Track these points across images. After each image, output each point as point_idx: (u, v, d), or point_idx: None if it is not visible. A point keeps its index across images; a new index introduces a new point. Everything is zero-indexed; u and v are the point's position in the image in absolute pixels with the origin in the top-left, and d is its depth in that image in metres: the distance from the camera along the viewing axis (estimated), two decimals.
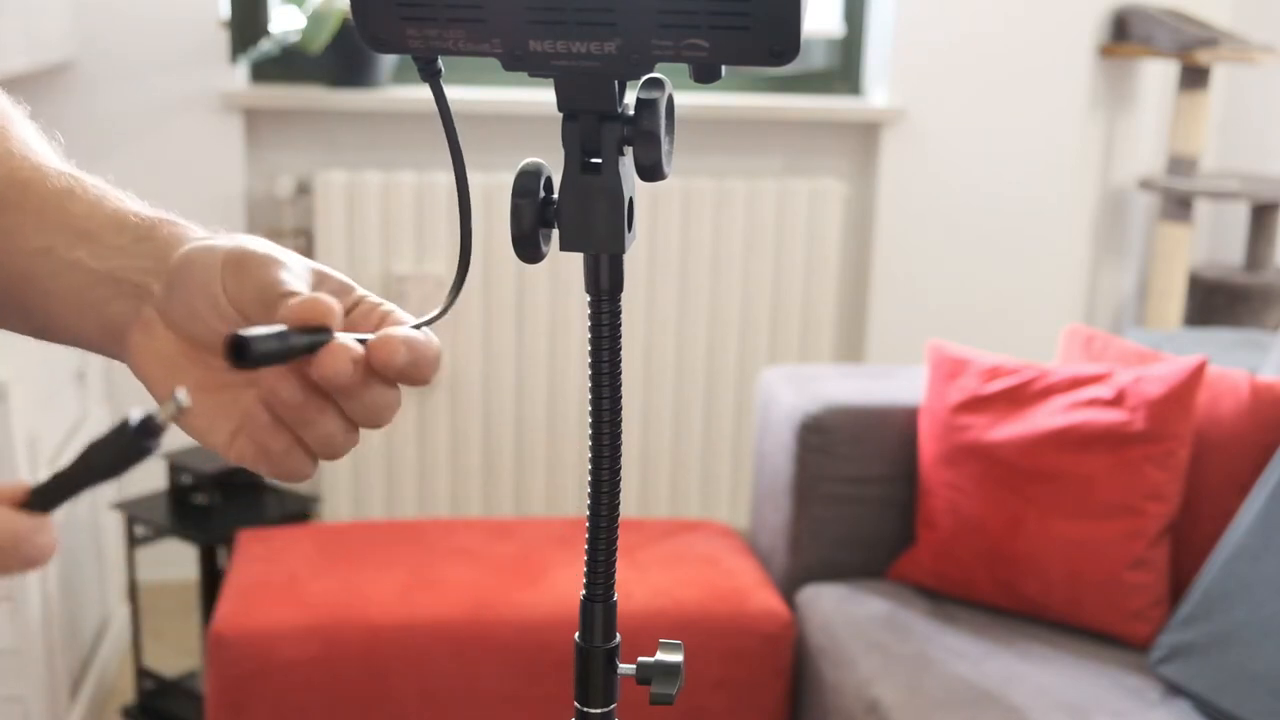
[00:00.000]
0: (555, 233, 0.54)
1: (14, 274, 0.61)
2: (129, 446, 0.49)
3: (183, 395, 0.49)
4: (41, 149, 0.65)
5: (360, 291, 0.59)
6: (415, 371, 0.54)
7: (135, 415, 0.49)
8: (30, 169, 0.62)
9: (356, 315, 0.58)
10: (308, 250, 2.72)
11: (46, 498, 0.49)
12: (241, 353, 0.48)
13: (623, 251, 0.54)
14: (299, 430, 0.56)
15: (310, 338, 0.51)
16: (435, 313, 0.57)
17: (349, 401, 0.55)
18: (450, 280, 0.58)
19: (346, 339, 0.53)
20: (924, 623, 1.99)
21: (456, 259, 0.58)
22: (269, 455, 0.57)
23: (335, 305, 0.53)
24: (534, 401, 2.86)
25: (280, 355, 0.50)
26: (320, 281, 0.58)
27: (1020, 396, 2.03)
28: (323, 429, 0.56)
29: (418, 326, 0.56)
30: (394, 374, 0.54)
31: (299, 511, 2.44)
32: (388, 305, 0.58)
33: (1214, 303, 3.02)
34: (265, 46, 2.67)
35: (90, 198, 0.61)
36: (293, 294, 0.54)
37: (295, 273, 0.56)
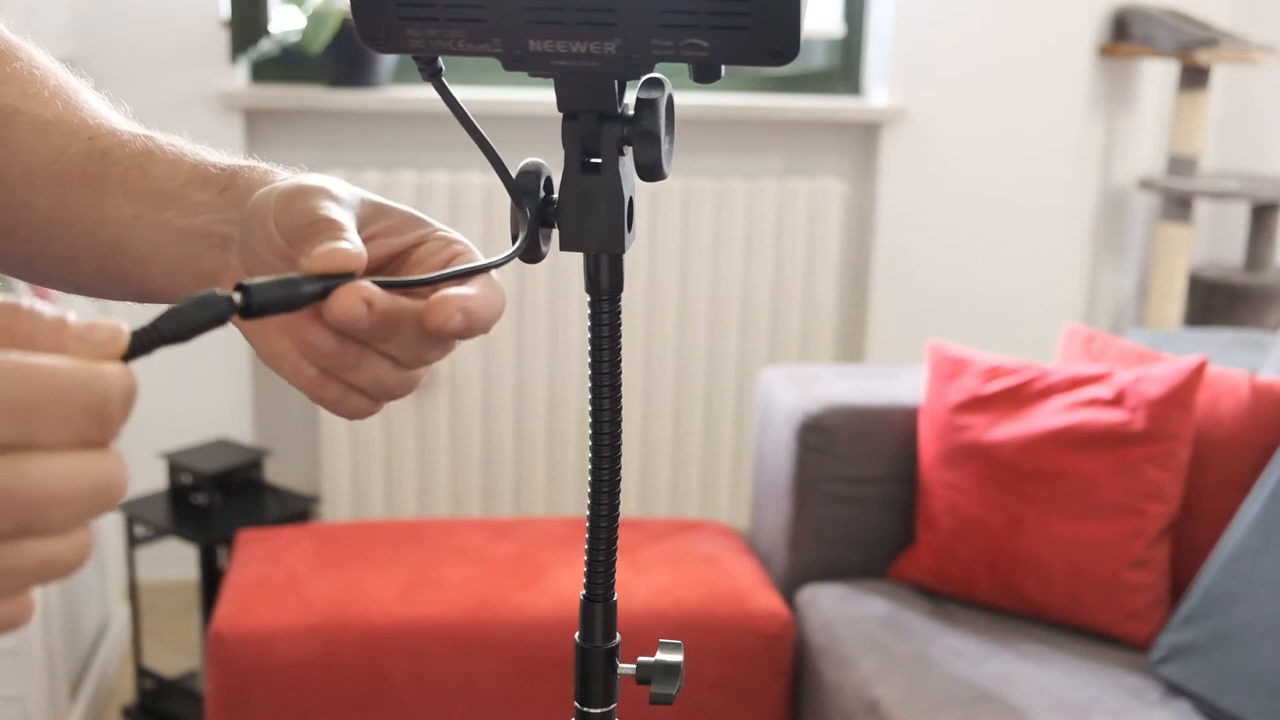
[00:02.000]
0: (555, 233, 0.54)
1: (107, 243, 0.61)
2: (218, 308, 0.45)
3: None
4: (112, 115, 0.66)
5: (432, 225, 0.57)
6: (470, 332, 0.53)
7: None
8: (107, 135, 0.63)
9: (424, 251, 0.56)
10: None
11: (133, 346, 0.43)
12: (243, 301, 0.46)
13: (623, 251, 0.54)
14: (344, 376, 0.55)
15: (324, 283, 0.49)
16: (506, 254, 0.55)
17: (385, 343, 0.54)
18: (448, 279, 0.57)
19: (365, 284, 0.50)
20: (924, 623, 1.99)
21: (481, 268, 0.57)
22: (327, 403, 0.56)
23: (355, 251, 0.51)
24: (534, 401, 2.86)
25: (286, 303, 0.48)
26: (377, 216, 0.57)
27: (1020, 396, 2.03)
28: (368, 372, 0.54)
29: (482, 270, 0.54)
30: (449, 336, 0.52)
31: (299, 511, 2.44)
32: (459, 242, 0.57)
33: (1214, 303, 3.02)
34: (265, 46, 2.67)
35: (169, 157, 0.61)
36: (329, 222, 0.53)
37: (345, 204, 0.55)
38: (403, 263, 0.58)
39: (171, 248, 0.60)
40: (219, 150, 0.64)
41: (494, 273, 0.55)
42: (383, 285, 0.51)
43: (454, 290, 0.52)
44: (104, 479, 0.38)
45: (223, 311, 0.44)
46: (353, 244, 0.52)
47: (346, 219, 0.54)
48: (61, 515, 0.38)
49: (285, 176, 0.60)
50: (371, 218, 0.57)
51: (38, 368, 0.37)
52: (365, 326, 0.50)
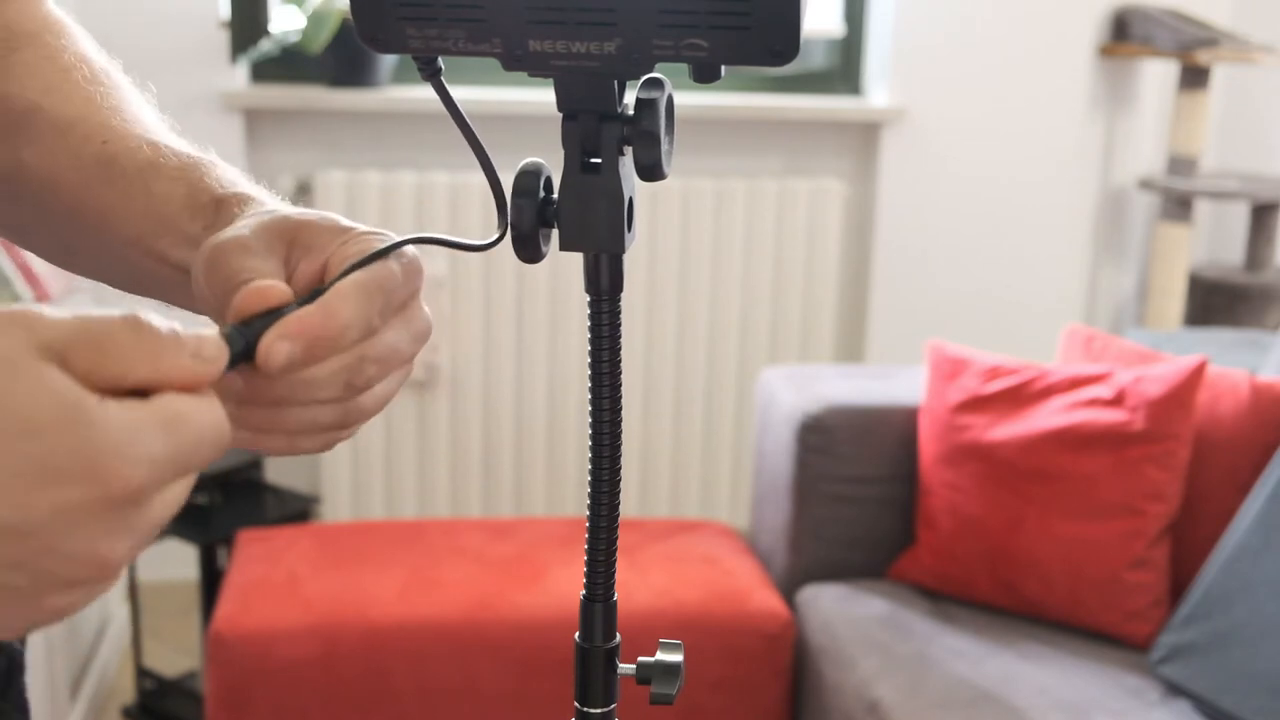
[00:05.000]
0: (555, 233, 0.54)
1: (121, 262, 0.62)
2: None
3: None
4: (130, 111, 0.65)
5: (346, 225, 0.55)
6: (312, 358, 0.50)
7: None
8: (118, 139, 0.62)
9: (338, 257, 0.54)
10: None
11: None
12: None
13: (623, 251, 0.54)
14: (277, 423, 0.53)
15: (265, 321, 0.49)
16: (478, 241, 0.54)
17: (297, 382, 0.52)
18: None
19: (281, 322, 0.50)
20: (924, 623, 1.99)
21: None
22: (275, 450, 0.55)
23: (269, 287, 0.50)
24: (534, 401, 2.86)
25: (249, 354, 0.48)
26: (298, 238, 0.55)
27: (1020, 396, 2.03)
28: (296, 417, 0.53)
29: (360, 265, 0.52)
30: (278, 372, 0.49)
31: (299, 511, 2.44)
32: (379, 234, 0.55)
33: (1214, 303, 3.02)
34: (265, 46, 2.67)
35: (171, 172, 0.61)
36: (247, 284, 0.51)
37: (261, 253, 0.53)
38: (323, 275, 0.55)
39: (171, 281, 0.60)
40: (220, 159, 0.63)
41: (388, 273, 0.53)
42: (274, 315, 0.50)
43: (282, 322, 0.50)
44: (183, 497, 0.44)
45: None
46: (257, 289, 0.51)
47: (266, 270, 0.53)
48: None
49: (263, 208, 0.58)
50: (294, 243, 0.55)
51: (193, 426, 0.42)
52: (289, 369, 0.50)
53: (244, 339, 0.48)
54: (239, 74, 2.75)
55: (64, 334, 0.40)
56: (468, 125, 0.56)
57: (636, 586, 2.05)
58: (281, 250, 0.54)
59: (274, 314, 0.49)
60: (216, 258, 0.54)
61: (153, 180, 0.61)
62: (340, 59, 2.72)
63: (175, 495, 0.43)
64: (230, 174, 0.62)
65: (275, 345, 0.49)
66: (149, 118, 0.66)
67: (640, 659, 0.60)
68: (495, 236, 0.55)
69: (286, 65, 2.79)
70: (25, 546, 0.39)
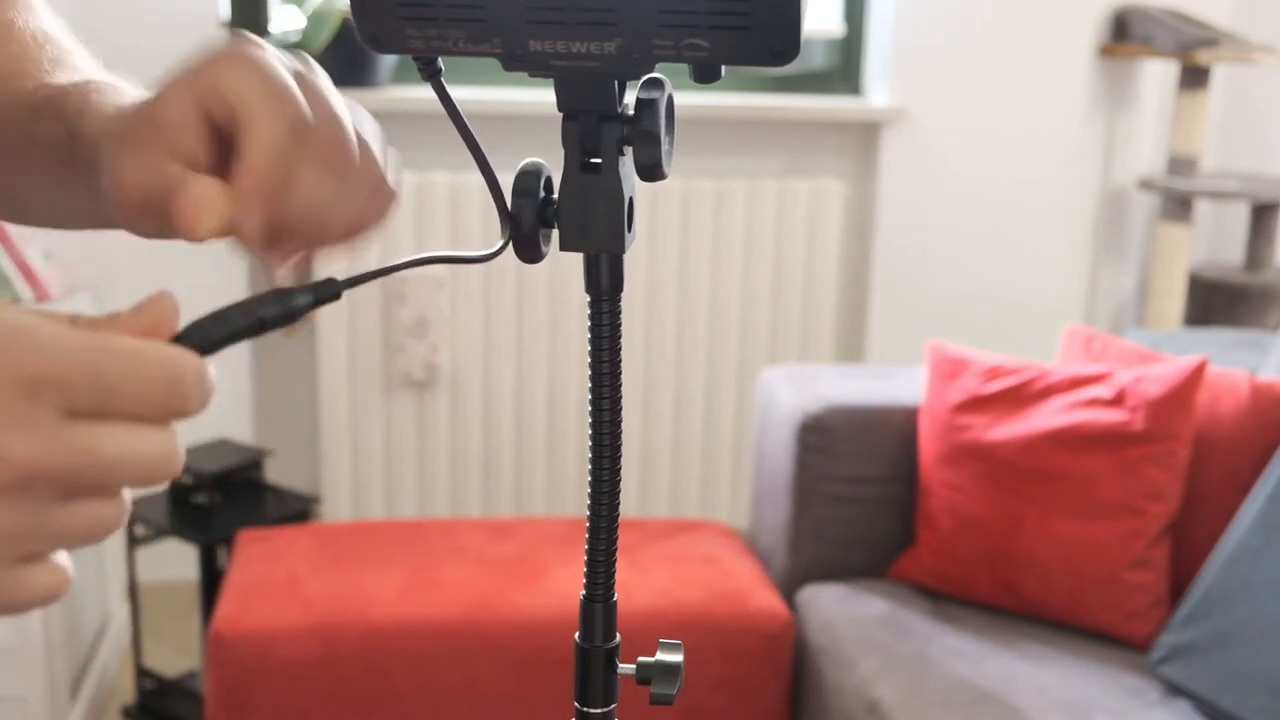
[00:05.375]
0: (555, 233, 0.54)
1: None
2: (305, 300, 0.48)
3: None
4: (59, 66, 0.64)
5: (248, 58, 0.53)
6: (270, 199, 0.50)
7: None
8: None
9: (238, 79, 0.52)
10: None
11: (205, 338, 0.45)
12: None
13: (623, 251, 0.54)
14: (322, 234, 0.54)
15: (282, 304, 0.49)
16: (481, 253, 0.54)
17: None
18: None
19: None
20: (924, 623, 1.99)
21: (456, 258, 0.57)
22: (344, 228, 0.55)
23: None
24: (534, 401, 2.86)
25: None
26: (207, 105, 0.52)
27: (1020, 396, 2.03)
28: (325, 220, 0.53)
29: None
30: (264, 240, 0.51)
31: (299, 511, 2.44)
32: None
33: (1214, 303, 3.02)
34: None
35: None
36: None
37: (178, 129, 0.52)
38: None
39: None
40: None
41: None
42: (353, 283, 0.51)
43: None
44: (165, 454, 0.42)
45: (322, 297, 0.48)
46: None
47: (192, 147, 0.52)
48: (121, 483, 0.42)
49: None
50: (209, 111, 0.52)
51: (123, 346, 0.41)
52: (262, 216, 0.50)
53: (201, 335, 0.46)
54: None
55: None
56: (467, 128, 0.56)
57: (636, 586, 2.05)
58: (199, 126, 0.52)
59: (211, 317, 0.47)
60: (131, 141, 0.53)
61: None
62: (340, 59, 2.72)
63: (110, 439, 0.40)
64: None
65: (243, 225, 0.50)
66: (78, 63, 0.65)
67: (640, 659, 0.60)
68: (498, 246, 0.55)
69: None
70: None
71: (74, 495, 0.41)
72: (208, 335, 0.45)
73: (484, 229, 2.72)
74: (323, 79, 0.55)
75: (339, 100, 0.55)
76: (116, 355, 0.41)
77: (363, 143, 0.55)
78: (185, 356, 0.42)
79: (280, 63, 0.53)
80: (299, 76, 0.53)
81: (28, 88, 0.62)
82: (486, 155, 0.56)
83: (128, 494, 0.43)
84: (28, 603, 0.42)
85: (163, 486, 2.46)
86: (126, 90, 0.60)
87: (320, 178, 0.52)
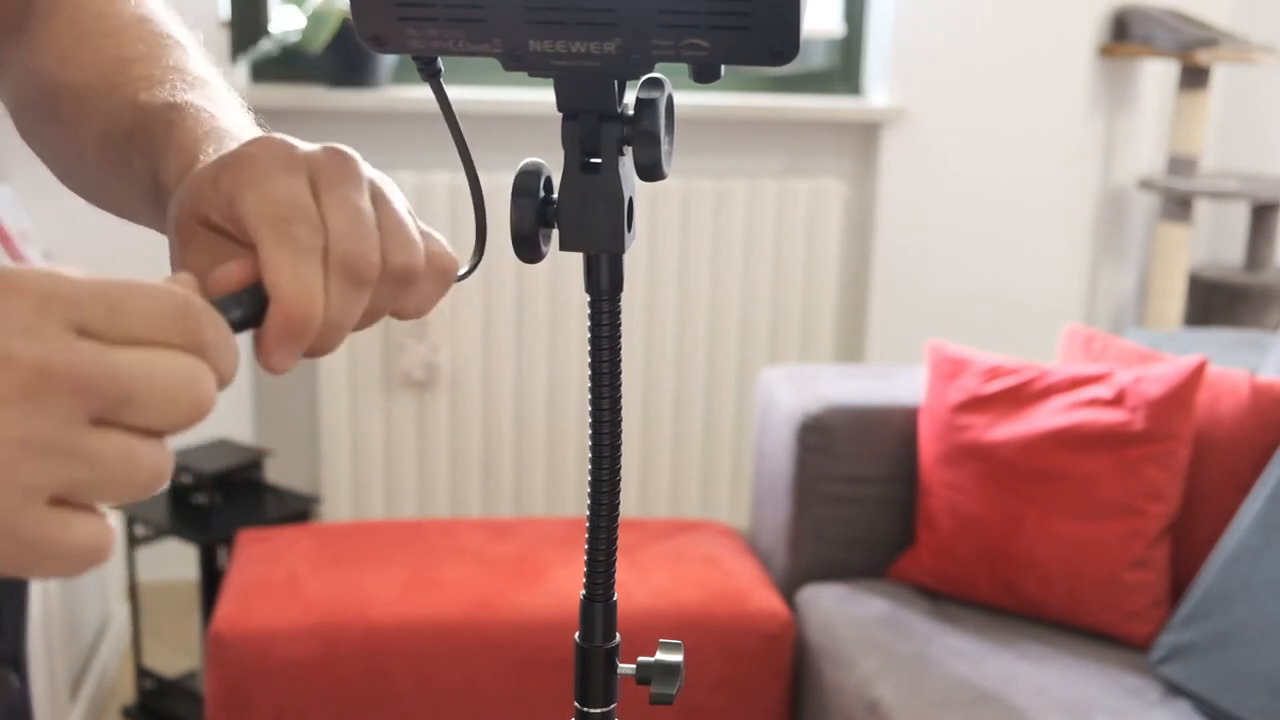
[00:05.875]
0: (555, 233, 0.54)
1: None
2: None
3: None
4: (154, 73, 0.64)
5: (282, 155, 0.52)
6: (303, 330, 0.49)
7: None
8: (133, 115, 0.62)
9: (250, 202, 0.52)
10: None
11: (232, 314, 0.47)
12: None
13: (623, 251, 0.54)
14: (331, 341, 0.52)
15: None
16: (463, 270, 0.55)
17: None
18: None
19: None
20: (924, 623, 1.99)
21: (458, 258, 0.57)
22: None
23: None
24: (534, 401, 2.86)
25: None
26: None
27: (1020, 396, 2.03)
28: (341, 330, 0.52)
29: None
30: (301, 356, 0.50)
31: (299, 511, 2.44)
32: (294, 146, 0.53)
33: (1214, 303, 3.02)
34: (265, 46, 2.67)
35: (186, 143, 0.59)
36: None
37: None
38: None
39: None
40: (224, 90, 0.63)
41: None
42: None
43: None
44: (187, 376, 0.41)
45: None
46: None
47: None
48: (147, 407, 0.40)
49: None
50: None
51: (128, 278, 0.42)
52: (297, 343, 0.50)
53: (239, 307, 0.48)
54: (239, 74, 2.75)
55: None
56: (460, 133, 0.56)
57: (636, 586, 2.05)
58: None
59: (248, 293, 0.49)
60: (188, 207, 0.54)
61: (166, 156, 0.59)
62: (340, 59, 2.72)
63: (124, 354, 0.40)
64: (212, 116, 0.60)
65: (275, 361, 0.50)
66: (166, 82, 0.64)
67: (640, 659, 0.60)
68: (465, 270, 0.56)
69: (286, 65, 2.78)
70: None
71: (101, 418, 0.40)
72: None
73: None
74: (390, 189, 0.55)
75: (400, 206, 0.55)
76: (122, 282, 0.41)
77: (428, 237, 0.55)
78: (190, 286, 0.43)
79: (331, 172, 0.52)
80: (375, 194, 0.54)
81: (138, 100, 0.62)
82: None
83: (170, 444, 0.42)
84: (66, 553, 0.40)
85: (163, 487, 2.46)
86: (206, 115, 0.59)
87: (342, 293, 0.50)
